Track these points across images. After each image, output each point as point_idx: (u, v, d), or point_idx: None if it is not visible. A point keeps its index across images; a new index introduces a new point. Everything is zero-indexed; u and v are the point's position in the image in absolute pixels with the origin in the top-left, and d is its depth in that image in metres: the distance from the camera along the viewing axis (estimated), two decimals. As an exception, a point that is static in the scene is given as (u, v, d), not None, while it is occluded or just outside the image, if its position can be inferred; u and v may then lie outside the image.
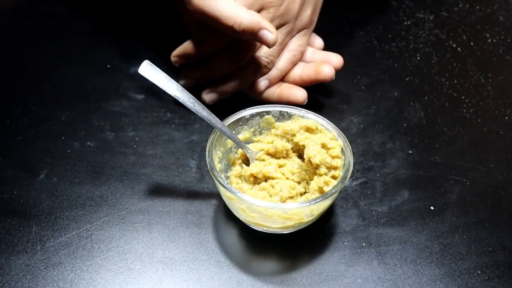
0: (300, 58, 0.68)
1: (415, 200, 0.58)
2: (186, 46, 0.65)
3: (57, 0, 0.84)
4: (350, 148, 0.53)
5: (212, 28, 0.61)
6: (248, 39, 0.61)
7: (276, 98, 0.66)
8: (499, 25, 0.84)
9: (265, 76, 0.66)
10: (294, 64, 0.68)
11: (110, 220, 0.55)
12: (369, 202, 0.58)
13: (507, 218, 0.57)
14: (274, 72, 0.66)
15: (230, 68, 0.65)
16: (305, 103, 0.65)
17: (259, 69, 0.65)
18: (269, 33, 0.58)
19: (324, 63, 0.66)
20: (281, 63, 0.66)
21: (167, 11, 0.82)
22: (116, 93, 0.69)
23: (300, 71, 0.67)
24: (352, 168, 0.52)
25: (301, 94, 0.65)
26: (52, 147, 0.62)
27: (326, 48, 0.79)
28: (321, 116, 0.56)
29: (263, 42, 0.59)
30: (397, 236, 0.55)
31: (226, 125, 0.55)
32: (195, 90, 0.70)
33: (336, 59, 0.67)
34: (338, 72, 0.68)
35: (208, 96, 0.66)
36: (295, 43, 0.67)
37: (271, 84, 0.66)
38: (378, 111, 0.69)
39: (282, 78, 0.68)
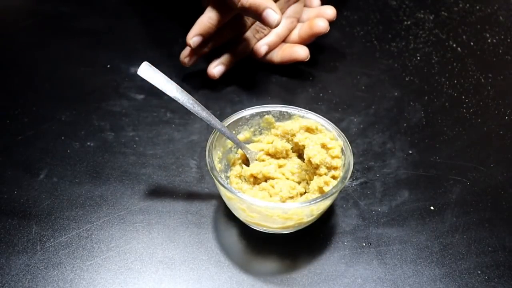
0: (296, 24, 0.73)
1: (415, 200, 0.58)
2: (201, 23, 0.66)
3: (57, 0, 0.84)
4: (350, 148, 0.53)
5: (223, 1, 0.64)
6: (252, 16, 0.64)
7: (279, 59, 0.71)
8: (499, 25, 0.84)
9: (264, 42, 0.70)
10: (291, 30, 0.72)
11: (110, 220, 0.55)
12: (369, 202, 0.58)
13: (507, 218, 0.57)
14: (273, 38, 0.70)
15: (231, 35, 0.68)
16: (308, 59, 0.69)
17: (257, 33, 0.69)
18: (273, 13, 0.62)
19: (318, 17, 0.70)
20: (280, 30, 0.70)
21: (166, 11, 0.82)
22: (116, 93, 0.69)
23: (298, 32, 0.72)
24: (352, 168, 0.52)
25: (302, 51, 0.69)
26: (52, 147, 0.62)
27: (326, 48, 0.79)
28: (321, 116, 0.56)
29: (267, 21, 0.62)
30: (397, 236, 0.55)
31: (226, 125, 0.55)
32: (195, 91, 0.70)
33: (329, 11, 0.72)
34: (338, 72, 0.68)
35: (216, 70, 0.68)
36: (292, 10, 0.72)
37: (270, 48, 0.71)
38: (378, 111, 0.69)
39: (282, 42, 0.72)
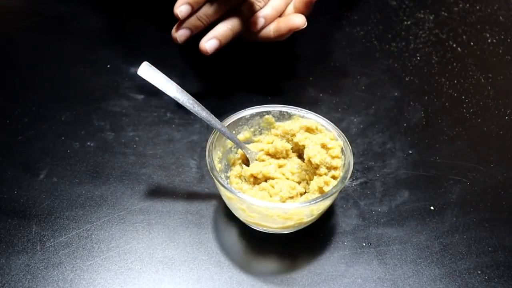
0: None
1: (415, 200, 0.58)
2: None
3: (57, 0, 0.84)
4: (350, 148, 0.53)
5: None
6: None
7: (276, 32, 0.66)
8: (499, 25, 0.84)
9: (260, 14, 0.66)
10: (287, 4, 0.68)
11: (110, 220, 0.55)
12: (369, 202, 0.58)
13: (507, 218, 0.57)
14: (269, 11, 0.66)
15: (225, 7, 0.64)
16: (305, 26, 0.65)
17: (253, 5, 0.65)
18: None
19: None
20: (276, 2, 0.67)
21: (166, 11, 0.82)
22: (116, 93, 0.69)
23: (292, 5, 0.68)
24: (352, 168, 0.52)
25: (299, 19, 0.65)
26: (52, 147, 0.62)
27: (326, 48, 0.79)
28: (321, 116, 0.56)
29: None
30: (397, 236, 0.55)
31: (226, 125, 0.55)
32: (195, 91, 0.70)
33: None
34: (338, 72, 0.67)
35: (208, 44, 0.64)
36: None
37: (267, 22, 0.67)
38: (378, 111, 0.69)
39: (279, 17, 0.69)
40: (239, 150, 0.57)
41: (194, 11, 0.62)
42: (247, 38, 0.68)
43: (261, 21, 0.66)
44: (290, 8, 0.69)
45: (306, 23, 0.65)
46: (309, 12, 0.68)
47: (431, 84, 0.73)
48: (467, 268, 0.52)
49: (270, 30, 0.67)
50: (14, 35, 0.78)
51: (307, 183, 0.55)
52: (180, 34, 0.64)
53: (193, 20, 0.63)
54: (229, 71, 0.70)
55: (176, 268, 0.52)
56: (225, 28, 0.64)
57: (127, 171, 0.60)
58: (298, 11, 0.67)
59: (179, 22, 0.64)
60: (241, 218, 0.54)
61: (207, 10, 0.63)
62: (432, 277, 0.52)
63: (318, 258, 0.53)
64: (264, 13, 0.66)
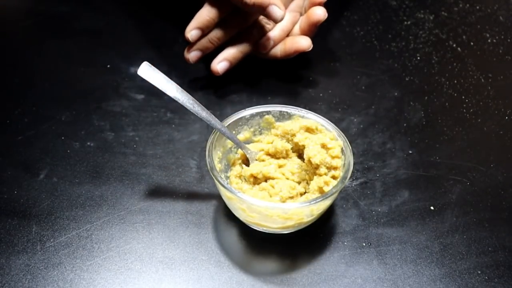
0: (299, 18, 0.72)
1: (415, 200, 0.58)
2: (199, 16, 0.65)
3: (57, 0, 0.84)
4: (350, 148, 0.53)
5: None
6: (256, 13, 0.65)
7: (283, 53, 0.70)
8: (499, 25, 0.84)
9: (270, 37, 0.70)
10: (294, 24, 0.72)
11: (110, 220, 0.55)
12: (369, 202, 0.58)
13: (507, 218, 0.57)
14: (278, 32, 0.70)
15: (235, 30, 0.68)
16: (311, 49, 0.68)
17: (262, 28, 0.69)
18: (278, 9, 0.63)
19: (313, 6, 0.69)
20: (284, 24, 0.70)
21: (166, 10, 0.82)
22: (116, 93, 0.69)
23: (298, 25, 0.72)
24: (352, 168, 0.52)
25: (305, 41, 0.68)
26: (52, 147, 0.62)
27: (326, 48, 0.79)
28: (321, 116, 0.56)
29: (271, 17, 0.64)
30: (397, 236, 0.55)
31: (226, 125, 0.55)
32: (195, 91, 0.70)
33: None
34: (338, 72, 0.67)
35: (220, 66, 0.68)
36: (295, 4, 0.72)
37: (276, 43, 0.70)
38: (378, 111, 0.69)
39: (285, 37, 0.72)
40: (239, 150, 0.57)
41: (204, 34, 0.66)
42: (257, 55, 0.72)
43: (270, 44, 0.70)
44: (296, 27, 0.72)
45: (312, 46, 0.68)
46: (314, 34, 0.70)
47: (431, 84, 0.73)
48: (467, 268, 0.52)
49: (277, 51, 0.71)
50: (14, 35, 0.78)
51: (307, 183, 0.55)
52: (192, 55, 0.68)
53: (204, 42, 0.67)
54: (229, 71, 0.70)
55: (176, 268, 0.52)
56: (235, 51, 0.68)
57: (127, 171, 0.60)
58: (303, 32, 0.70)
59: (190, 44, 0.67)
60: (241, 218, 0.54)
61: (217, 33, 0.67)
62: (432, 277, 0.52)
63: (318, 258, 0.53)
64: (272, 34, 0.70)
